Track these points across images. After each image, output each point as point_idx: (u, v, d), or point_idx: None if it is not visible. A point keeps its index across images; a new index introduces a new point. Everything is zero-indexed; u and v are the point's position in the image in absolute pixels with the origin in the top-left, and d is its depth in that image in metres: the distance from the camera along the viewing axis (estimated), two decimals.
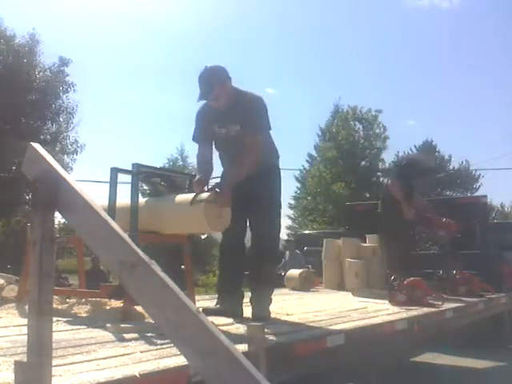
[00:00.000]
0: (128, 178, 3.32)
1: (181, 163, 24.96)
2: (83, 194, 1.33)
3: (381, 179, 25.33)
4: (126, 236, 1.27)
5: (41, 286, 1.31)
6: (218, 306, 3.50)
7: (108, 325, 2.67)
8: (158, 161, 24.85)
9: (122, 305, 3.14)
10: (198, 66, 3.37)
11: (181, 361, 1.78)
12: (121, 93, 51.93)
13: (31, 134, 15.28)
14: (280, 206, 3.61)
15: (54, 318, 1.90)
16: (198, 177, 3.21)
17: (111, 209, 3.11)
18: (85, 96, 33.35)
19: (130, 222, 3.11)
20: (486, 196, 8.26)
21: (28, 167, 1.45)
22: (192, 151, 25.20)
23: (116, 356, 1.99)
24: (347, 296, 5.51)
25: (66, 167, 16.94)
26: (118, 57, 53.72)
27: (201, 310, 2.73)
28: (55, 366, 1.53)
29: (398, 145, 34.77)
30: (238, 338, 2.10)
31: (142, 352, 2.07)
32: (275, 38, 50.92)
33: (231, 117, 3.35)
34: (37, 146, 1.46)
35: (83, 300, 3.47)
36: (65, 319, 2.95)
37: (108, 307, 3.32)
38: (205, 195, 3.01)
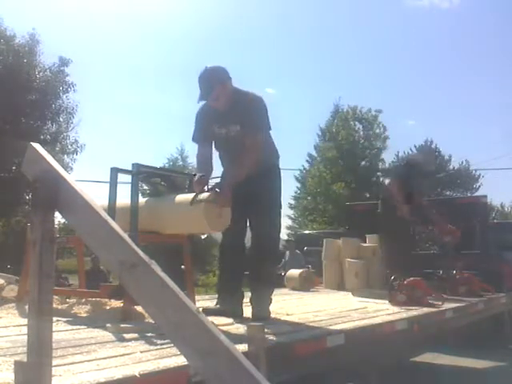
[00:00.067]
0: (128, 178, 3.32)
1: (181, 163, 24.97)
2: (83, 194, 1.33)
3: (381, 179, 25.36)
4: (126, 236, 1.27)
5: (41, 286, 1.31)
6: (217, 305, 3.50)
7: (108, 325, 2.67)
8: (158, 161, 24.89)
9: (121, 305, 3.13)
10: (198, 66, 3.37)
11: (181, 361, 1.78)
12: (121, 93, 51.98)
13: (31, 134, 15.28)
14: (280, 206, 3.61)
15: (54, 318, 1.90)
16: (197, 177, 3.21)
17: (111, 209, 3.11)
18: (85, 96, 33.37)
19: (129, 222, 3.11)
20: (486, 196, 8.27)
21: (28, 167, 1.45)
22: (192, 151, 25.15)
23: (116, 356, 1.98)
24: (347, 296, 5.51)
25: (65, 167, 16.93)
26: (118, 57, 53.77)
27: (201, 309, 2.73)
28: (55, 365, 1.53)
29: (398, 145, 34.74)
30: (238, 338, 2.10)
31: (142, 352, 2.07)
32: (275, 38, 50.98)
33: (231, 117, 3.35)
34: (37, 145, 1.46)
35: (83, 300, 3.47)
36: (65, 319, 2.95)
37: (108, 307, 3.32)
38: (205, 195, 3.01)
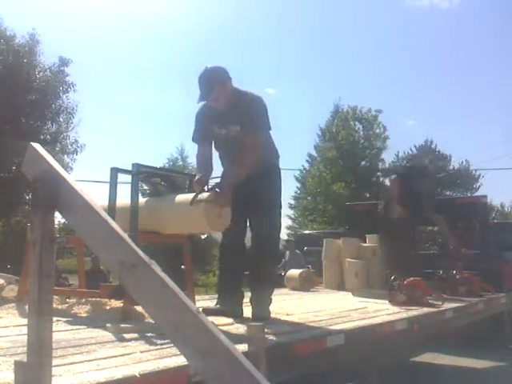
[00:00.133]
0: (128, 178, 3.33)
1: (181, 163, 24.97)
2: (83, 194, 1.33)
3: (381, 179, 25.37)
4: (126, 236, 1.27)
5: (41, 286, 1.31)
6: (217, 305, 3.50)
7: (108, 325, 2.67)
8: (158, 161, 24.89)
9: (122, 305, 3.14)
10: (198, 66, 3.37)
11: (181, 361, 1.78)
12: (121, 93, 51.98)
13: (31, 134, 15.28)
14: (280, 206, 3.61)
15: (54, 318, 1.90)
16: (197, 177, 3.21)
17: (111, 209, 3.11)
18: (85, 96, 33.37)
19: (130, 222, 3.11)
20: (485, 196, 8.26)
21: (28, 167, 1.45)
22: (192, 151, 25.12)
23: (116, 356, 1.99)
24: (347, 296, 5.51)
25: (66, 167, 16.94)
26: (118, 57, 53.77)
27: (201, 309, 2.73)
28: (55, 366, 1.53)
29: (398, 145, 34.65)
30: (238, 338, 2.10)
31: (142, 352, 2.07)
32: (275, 38, 50.96)
33: (231, 117, 3.35)
34: (37, 146, 1.46)
35: (83, 300, 3.47)
36: (65, 319, 2.95)
37: (108, 307, 3.32)
38: (205, 195, 3.01)
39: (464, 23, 49.39)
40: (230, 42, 54.99)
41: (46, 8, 42.40)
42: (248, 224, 3.55)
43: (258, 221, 3.47)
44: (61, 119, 18.52)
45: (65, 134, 18.62)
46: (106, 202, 3.16)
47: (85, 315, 3.22)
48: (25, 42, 17.69)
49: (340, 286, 6.63)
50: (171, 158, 25.54)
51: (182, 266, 3.77)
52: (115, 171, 3.26)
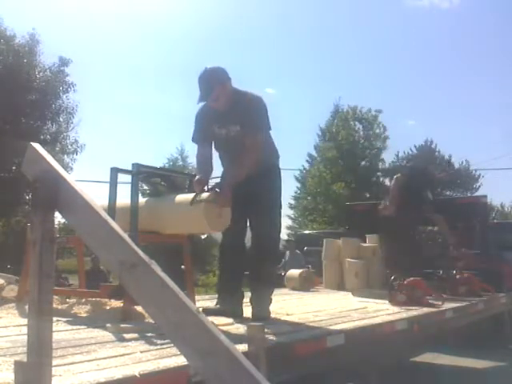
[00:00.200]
0: (128, 178, 3.33)
1: (181, 163, 24.97)
2: (83, 194, 1.33)
3: (381, 179, 25.37)
4: (126, 236, 1.27)
5: (41, 286, 1.31)
6: (217, 305, 3.50)
7: (108, 325, 2.67)
8: (158, 161, 24.88)
9: (122, 305, 3.14)
10: (198, 66, 3.37)
11: (181, 361, 1.79)
12: (121, 93, 51.97)
13: (31, 134, 15.28)
14: (280, 206, 3.61)
15: (54, 318, 1.90)
16: (197, 177, 3.21)
17: (111, 209, 3.11)
18: (85, 96, 33.36)
19: (130, 222, 3.11)
20: (486, 196, 8.28)
21: (28, 167, 1.45)
22: (192, 151, 25.09)
23: (116, 356, 1.99)
24: (347, 296, 5.51)
25: (66, 167, 16.93)
26: (118, 57, 53.74)
27: (201, 309, 2.73)
28: (55, 366, 1.53)
29: (398, 145, 34.65)
30: (238, 338, 2.10)
31: (142, 352, 2.07)
32: (275, 38, 50.94)
33: (231, 117, 3.35)
34: (37, 146, 1.46)
35: (83, 300, 3.47)
36: (65, 319, 2.95)
37: (108, 307, 3.32)
38: (205, 195, 3.01)
39: (464, 23, 49.43)
40: (229, 42, 55.05)
41: (46, 8, 42.45)
42: (248, 224, 3.55)
43: (258, 221, 3.47)
44: (61, 119, 18.53)
45: (65, 133, 18.63)
46: (106, 202, 3.16)
47: (85, 315, 3.22)
48: (25, 42, 17.68)
49: (340, 286, 6.63)
50: (171, 158, 25.55)
51: (182, 266, 3.77)
52: (115, 171, 3.26)
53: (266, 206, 3.44)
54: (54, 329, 1.36)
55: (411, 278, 4.76)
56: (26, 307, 1.78)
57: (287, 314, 3.58)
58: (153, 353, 2.05)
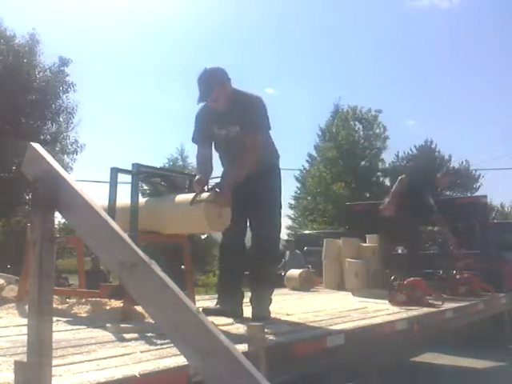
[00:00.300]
0: (128, 178, 3.33)
1: (181, 163, 24.98)
2: (83, 194, 1.33)
3: (381, 179, 25.37)
4: (126, 236, 1.27)
5: (41, 286, 1.31)
6: (217, 305, 3.50)
7: (108, 325, 2.67)
8: (158, 161, 24.90)
9: (121, 305, 3.14)
10: (198, 66, 3.38)
11: (181, 361, 1.78)
12: (121, 93, 52.00)
13: (31, 134, 15.28)
14: (280, 206, 3.61)
15: (54, 318, 1.90)
16: (197, 177, 3.21)
17: (111, 209, 3.11)
18: (85, 96, 33.37)
19: (130, 222, 3.11)
20: (486, 196, 8.27)
21: (28, 167, 1.45)
22: (192, 151, 25.11)
23: (116, 356, 1.99)
24: (347, 296, 5.51)
25: (66, 167, 16.94)
26: (118, 57, 53.74)
27: (201, 309, 2.73)
28: (55, 366, 1.53)
29: (398, 145, 34.68)
30: (238, 338, 2.10)
31: (142, 352, 2.07)
32: (275, 38, 50.93)
33: (231, 118, 3.35)
34: (37, 145, 1.46)
35: (83, 300, 3.47)
36: (65, 319, 2.95)
37: (108, 307, 3.32)
38: (205, 195, 3.01)
39: (464, 23, 49.41)
40: (230, 42, 55.05)
41: (46, 8, 42.45)
42: (248, 224, 3.55)
43: (258, 221, 3.47)
44: (61, 119, 18.54)
45: (65, 133, 18.64)
46: (106, 202, 3.16)
47: (85, 315, 3.22)
48: (25, 42, 17.69)
49: (340, 286, 6.63)
50: (171, 158, 25.57)
51: (182, 266, 3.77)
52: (115, 171, 3.26)
53: (266, 206, 3.44)
54: (54, 329, 1.36)
55: (411, 278, 4.76)
56: (26, 307, 1.78)
57: (287, 314, 3.58)
58: (153, 353, 2.05)
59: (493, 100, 48.69)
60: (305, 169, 26.88)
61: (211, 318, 2.53)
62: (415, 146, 27.16)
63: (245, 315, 3.36)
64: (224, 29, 54.01)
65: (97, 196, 2.25)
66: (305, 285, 6.46)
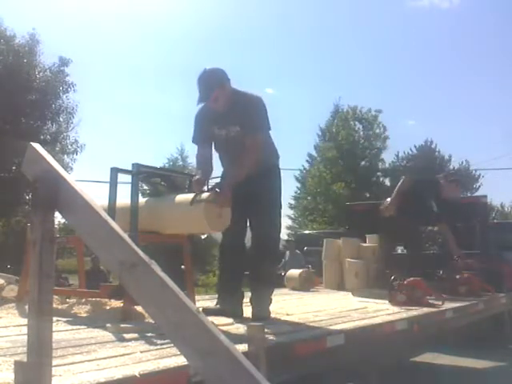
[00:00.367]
0: (128, 178, 3.33)
1: (181, 163, 24.98)
2: (83, 194, 1.33)
3: (381, 179, 25.37)
4: (126, 236, 1.27)
5: (41, 286, 1.31)
6: (217, 305, 3.50)
7: (108, 325, 2.67)
8: (158, 161, 24.91)
9: (122, 305, 3.14)
10: (197, 66, 3.38)
11: (181, 361, 1.78)
12: (121, 93, 52.04)
13: (31, 134, 15.29)
14: (280, 206, 3.61)
15: (54, 318, 1.90)
16: (196, 176, 3.21)
17: (111, 209, 3.11)
18: (85, 96, 33.42)
19: (130, 222, 3.11)
20: (486, 196, 8.26)
21: (28, 167, 1.45)
22: (192, 151, 25.11)
23: (116, 356, 1.98)
24: (347, 296, 5.51)
25: (66, 167, 16.94)
26: (118, 57, 53.79)
27: (201, 309, 2.73)
28: (55, 366, 1.53)
29: (398, 145, 34.70)
30: (238, 338, 2.10)
31: (142, 352, 2.07)
32: (275, 38, 50.99)
33: (231, 118, 3.35)
34: (37, 145, 1.46)
35: (83, 300, 3.47)
36: (65, 319, 2.95)
37: (108, 307, 3.32)
38: (205, 195, 3.01)
39: (464, 23, 49.45)
40: (230, 42, 55.09)
41: (46, 8, 42.49)
42: (248, 224, 3.55)
43: (258, 221, 3.47)
44: (61, 119, 18.55)
45: (65, 133, 18.66)
46: (106, 202, 3.16)
47: (85, 315, 3.22)
48: (25, 42, 17.70)
49: (340, 286, 6.62)
50: (171, 158, 25.58)
51: (182, 266, 3.77)
52: (115, 171, 3.26)
53: (266, 206, 3.44)
54: (54, 329, 1.36)
55: (411, 278, 4.76)
56: (26, 307, 1.78)
57: (287, 314, 3.58)
58: (153, 353, 2.05)
59: (493, 100, 48.76)
60: (305, 169, 26.90)
61: (211, 318, 2.53)
62: (415, 146, 27.20)
63: (245, 315, 3.36)
64: (224, 29, 54.11)
65: (97, 196, 2.25)
66: (305, 285, 6.46)
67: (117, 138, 49.60)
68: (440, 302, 4.60)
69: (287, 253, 10.03)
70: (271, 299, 3.50)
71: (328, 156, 24.49)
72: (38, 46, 17.96)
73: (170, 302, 1.16)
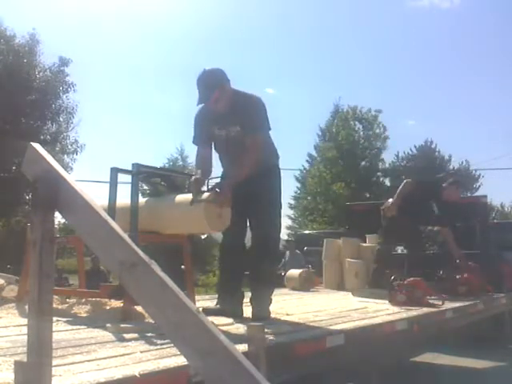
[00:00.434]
0: (128, 178, 3.33)
1: (181, 163, 25.00)
2: (83, 194, 1.33)
3: (381, 179, 25.38)
4: (125, 236, 1.27)
5: (41, 286, 1.31)
6: (217, 305, 3.50)
7: (108, 325, 2.67)
8: (158, 161, 24.94)
9: (121, 305, 3.14)
10: (197, 66, 3.38)
11: (181, 361, 1.78)
12: (121, 93, 52.11)
13: (31, 134, 15.30)
14: (280, 206, 3.61)
15: (54, 318, 1.90)
16: (195, 176, 3.21)
17: (111, 209, 3.11)
18: (85, 96, 33.43)
19: (130, 222, 3.11)
20: (486, 196, 8.28)
21: (28, 167, 1.45)
22: (192, 151, 25.10)
23: (116, 356, 1.98)
24: (347, 296, 5.51)
25: (66, 167, 16.94)
26: (118, 57, 53.81)
27: (201, 309, 2.73)
28: (55, 366, 1.53)
29: (398, 145, 34.79)
30: (238, 338, 2.10)
31: (142, 352, 2.07)
32: (275, 38, 51.00)
33: (231, 118, 3.35)
34: (37, 145, 1.46)
35: (83, 300, 3.47)
36: (65, 319, 2.95)
37: (108, 307, 3.32)
38: (205, 195, 3.01)
39: (464, 23, 49.44)
40: (230, 42, 55.11)
41: (46, 8, 42.52)
42: (248, 224, 3.55)
43: (258, 221, 3.47)
44: (61, 119, 18.57)
45: (65, 133, 18.67)
46: (106, 202, 3.16)
47: (85, 315, 3.22)
48: (25, 42, 17.71)
49: (340, 286, 6.63)
50: (171, 158, 25.61)
51: (182, 266, 3.77)
52: (115, 171, 3.26)
53: (266, 206, 3.44)
54: (54, 329, 1.36)
55: (411, 278, 4.76)
56: (26, 307, 1.78)
57: (287, 314, 3.58)
58: (153, 353, 2.05)
59: (493, 100, 48.72)
60: (305, 169, 26.91)
61: (211, 318, 2.53)
62: (415, 146, 27.21)
63: (245, 315, 3.36)
64: (224, 29, 54.14)
65: (97, 196, 2.25)
66: (305, 285, 6.46)
67: (117, 138, 49.69)
68: (440, 302, 4.60)
69: (287, 253, 10.03)
70: (271, 299, 3.50)
71: (328, 156, 24.50)
72: (38, 45, 18.02)
73: (170, 301, 1.16)
